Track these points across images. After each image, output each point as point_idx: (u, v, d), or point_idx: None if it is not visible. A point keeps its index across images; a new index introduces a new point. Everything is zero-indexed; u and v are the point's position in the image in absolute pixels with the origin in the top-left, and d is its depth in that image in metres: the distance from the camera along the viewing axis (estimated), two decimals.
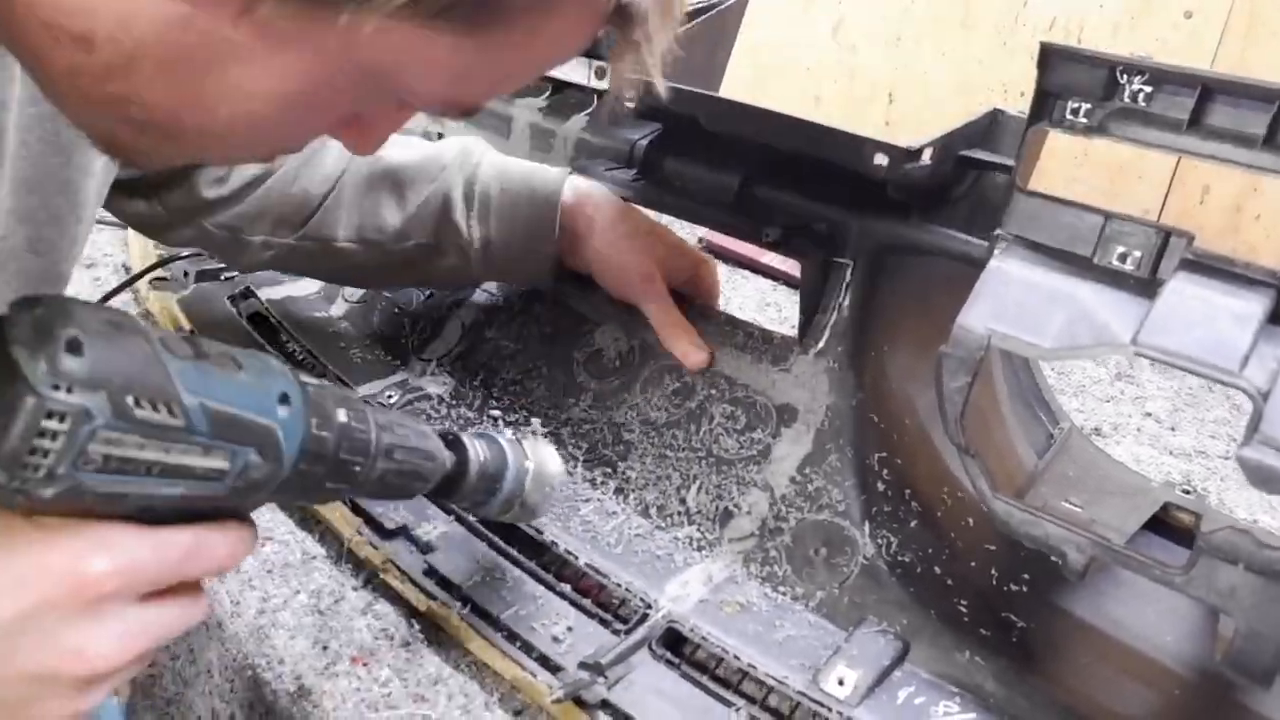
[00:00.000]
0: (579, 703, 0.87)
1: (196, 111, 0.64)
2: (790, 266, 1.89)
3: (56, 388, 0.54)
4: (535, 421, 1.23)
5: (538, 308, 1.34)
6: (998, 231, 0.93)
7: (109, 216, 1.23)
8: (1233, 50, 2.16)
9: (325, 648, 0.95)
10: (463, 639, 0.95)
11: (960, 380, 0.88)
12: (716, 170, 1.21)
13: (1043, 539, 0.88)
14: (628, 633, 0.94)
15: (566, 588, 1.00)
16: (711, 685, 0.91)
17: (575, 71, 1.40)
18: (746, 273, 2.03)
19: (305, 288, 1.52)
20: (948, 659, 0.94)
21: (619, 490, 1.14)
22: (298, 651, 0.95)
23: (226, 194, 1.23)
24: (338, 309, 1.49)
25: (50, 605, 0.60)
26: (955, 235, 1.02)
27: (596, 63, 1.36)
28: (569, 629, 0.95)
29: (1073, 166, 2.35)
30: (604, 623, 0.97)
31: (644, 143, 1.30)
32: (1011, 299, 0.87)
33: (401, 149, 1.28)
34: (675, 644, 0.95)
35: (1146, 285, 0.84)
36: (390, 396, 1.26)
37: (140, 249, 1.57)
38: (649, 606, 0.97)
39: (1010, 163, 0.94)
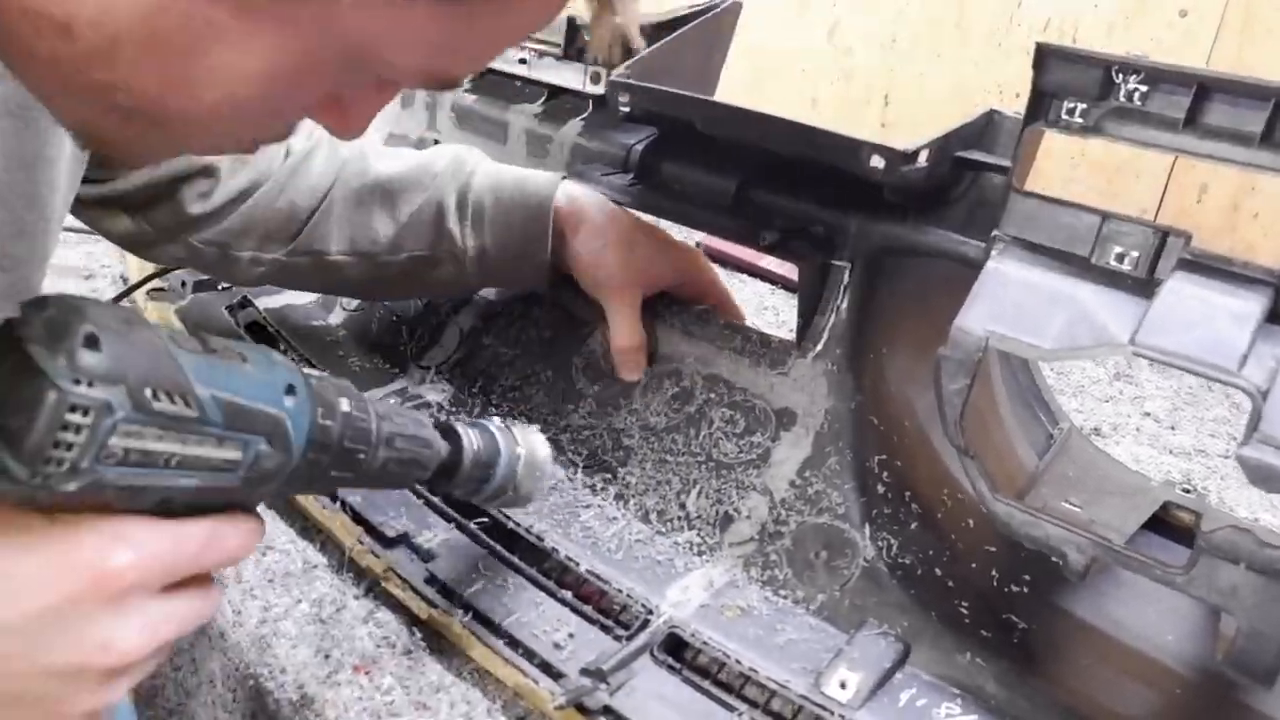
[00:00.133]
0: (581, 709, 0.87)
1: (181, 96, 0.64)
2: (788, 270, 1.89)
3: (77, 382, 0.55)
4: (534, 428, 1.23)
5: (536, 313, 1.34)
6: (995, 233, 0.93)
7: None
8: (1228, 48, 2.17)
9: (327, 656, 0.95)
10: (464, 646, 0.95)
11: (959, 382, 0.88)
12: (713, 174, 1.21)
13: (1043, 540, 0.88)
14: (629, 638, 0.94)
15: (567, 594, 1.00)
16: (713, 690, 0.91)
17: (570, 77, 1.40)
18: (744, 276, 2.03)
19: (303, 296, 1.52)
20: (949, 661, 0.94)
21: (619, 496, 1.14)
22: (300, 660, 0.95)
23: (211, 209, 1.22)
24: (335, 317, 1.49)
25: (75, 600, 0.60)
26: (952, 237, 1.02)
27: (591, 68, 1.37)
28: (570, 635, 0.95)
29: (1069, 166, 2.35)
30: (605, 629, 0.96)
31: (640, 147, 1.30)
32: (1009, 300, 0.87)
33: (391, 160, 1.28)
34: (677, 649, 0.94)
35: (1144, 285, 0.84)
36: (390, 401, 1.26)
37: (138, 260, 1.57)
38: (650, 612, 0.97)
39: (1007, 164, 0.94)
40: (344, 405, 0.74)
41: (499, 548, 1.05)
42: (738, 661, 0.91)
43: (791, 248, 1.13)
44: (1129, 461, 1.28)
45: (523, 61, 1.46)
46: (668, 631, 0.95)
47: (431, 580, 1.00)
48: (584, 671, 0.89)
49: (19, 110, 0.85)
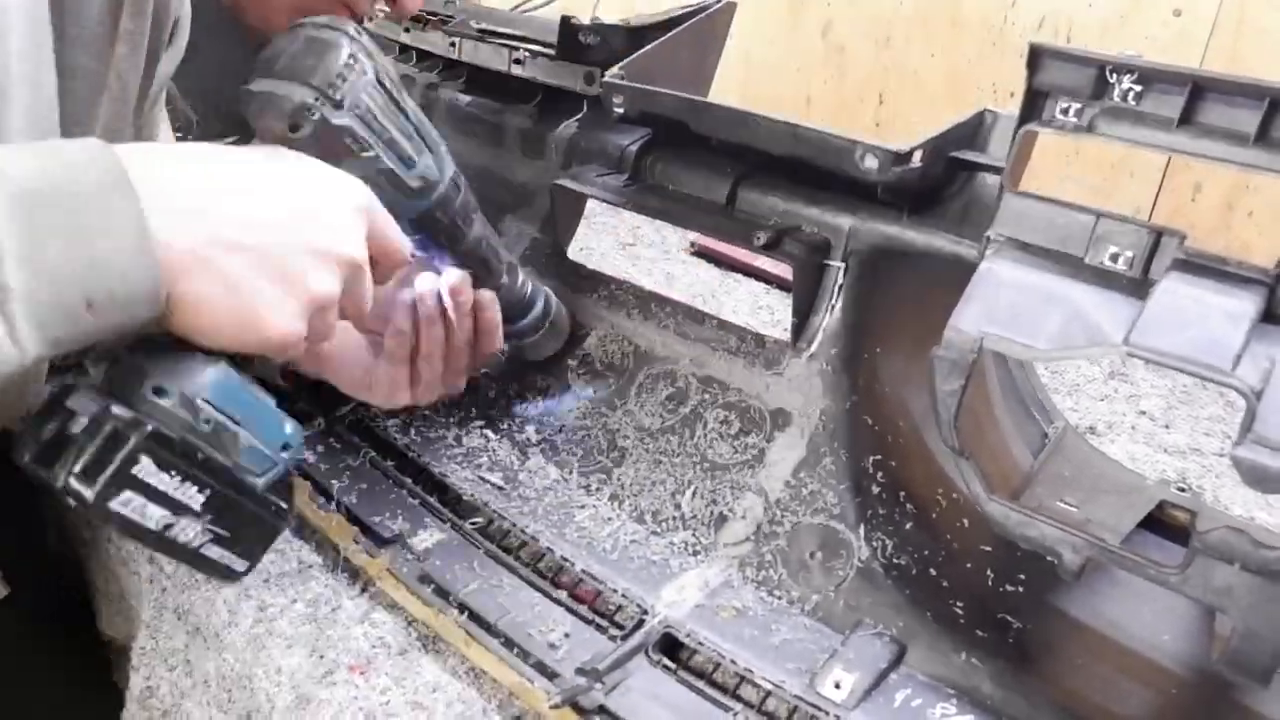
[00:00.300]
0: (576, 708, 0.87)
1: None
2: (782, 270, 1.89)
3: None
4: (529, 430, 1.23)
5: None
6: (989, 233, 0.93)
7: None
8: (1222, 48, 2.16)
9: (322, 657, 0.95)
10: (460, 646, 0.95)
11: (953, 383, 0.88)
12: (707, 174, 1.21)
13: (1038, 540, 0.88)
14: (624, 638, 0.94)
15: (563, 594, 1.00)
16: (708, 690, 0.91)
17: (565, 78, 1.40)
18: (738, 276, 2.03)
19: None
20: (944, 661, 0.94)
21: (614, 497, 1.14)
22: (295, 661, 0.95)
23: None
24: None
25: (335, 205, 0.80)
26: (946, 237, 1.03)
27: (585, 69, 1.37)
28: (565, 635, 0.95)
29: (1063, 166, 2.35)
30: (600, 629, 0.96)
31: (634, 148, 1.30)
32: (1003, 300, 0.87)
33: None
34: (672, 649, 0.94)
35: (1139, 285, 0.84)
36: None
37: None
38: (645, 612, 0.97)
39: (1001, 163, 0.94)
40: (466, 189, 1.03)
41: (494, 547, 1.05)
42: (733, 661, 0.92)
43: (785, 248, 1.13)
44: (1124, 460, 1.28)
45: (518, 63, 1.46)
46: (663, 631, 0.95)
47: (426, 580, 1.00)
48: (579, 671, 0.89)
49: None
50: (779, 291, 1.94)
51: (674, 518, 1.10)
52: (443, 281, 1.06)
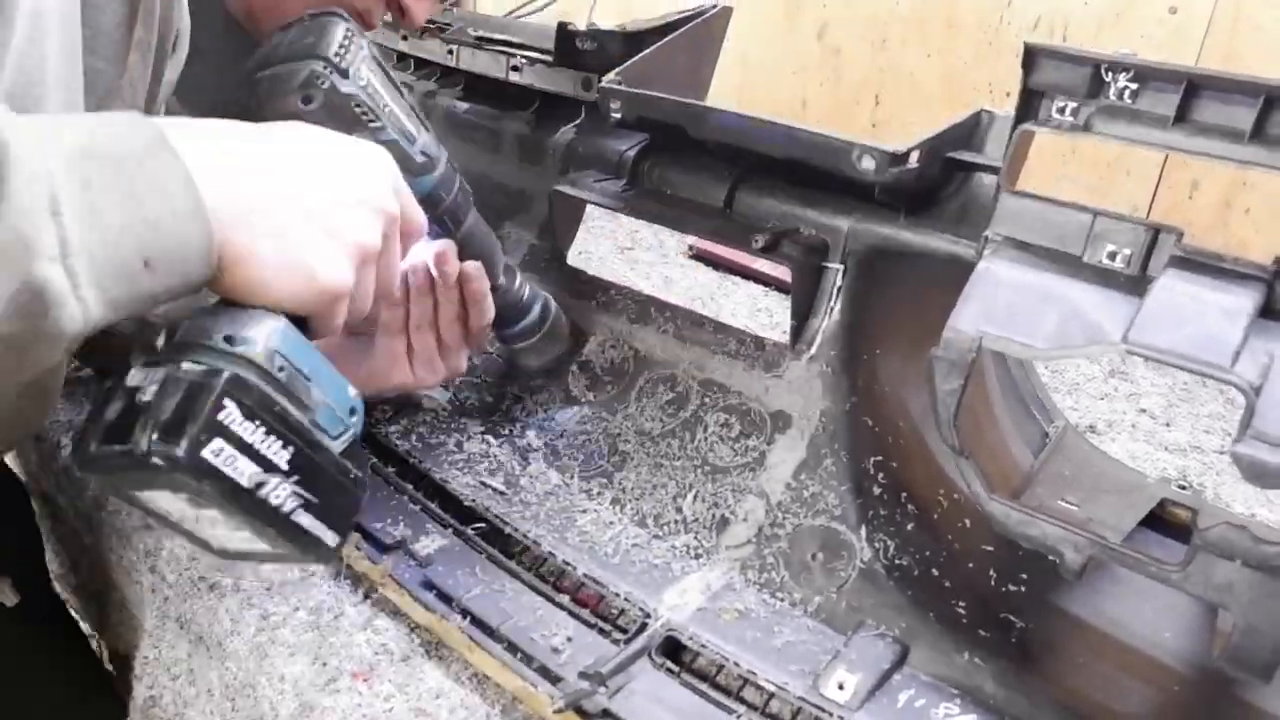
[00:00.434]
0: (580, 712, 0.87)
1: None
2: (781, 272, 1.89)
3: None
4: (530, 435, 1.24)
5: None
6: (986, 232, 0.93)
7: None
8: (1218, 45, 2.17)
9: (325, 664, 0.95)
10: (463, 651, 0.95)
11: (952, 383, 0.88)
12: (705, 178, 1.21)
13: (1039, 539, 0.88)
14: (627, 642, 0.94)
15: (565, 599, 1.00)
16: (712, 693, 0.91)
17: (562, 83, 1.40)
18: (737, 279, 2.03)
19: None
20: (947, 661, 0.94)
21: (615, 501, 1.14)
22: (298, 669, 0.95)
23: None
24: None
25: (365, 162, 0.83)
26: (944, 237, 1.03)
27: (583, 74, 1.37)
28: (568, 639, 0.95)
29: (1060, 165, 2.35)
30: (603, 633, 0.97)
31: (632, 152, 1.30)
32: (1002, 300, 0.87)
33: None
34: (675, 652, 0.95)
35: (1137, 283, 0.84)
36: (386, 412, 1.26)
37: None
38: (648, 616, 0.97)
39: (997, 163, 0.94)
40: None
41: (496, 553, 1.05)
42: (736, 664, 0.92)
43: (783, 250, 1.13)
44: (1125, 458, 1.28)
45: (515, 69, 1.47)
46: (665, 635, 0.95)
47: (429, 585, 1.00)
48: (582, 675, 0.89)
49: None
50: (777, 294, 1.95)
51: (675, 521, 1.10)
52: (428, 251, 1.07)
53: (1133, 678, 0.91)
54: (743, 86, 2.89)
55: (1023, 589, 0.96)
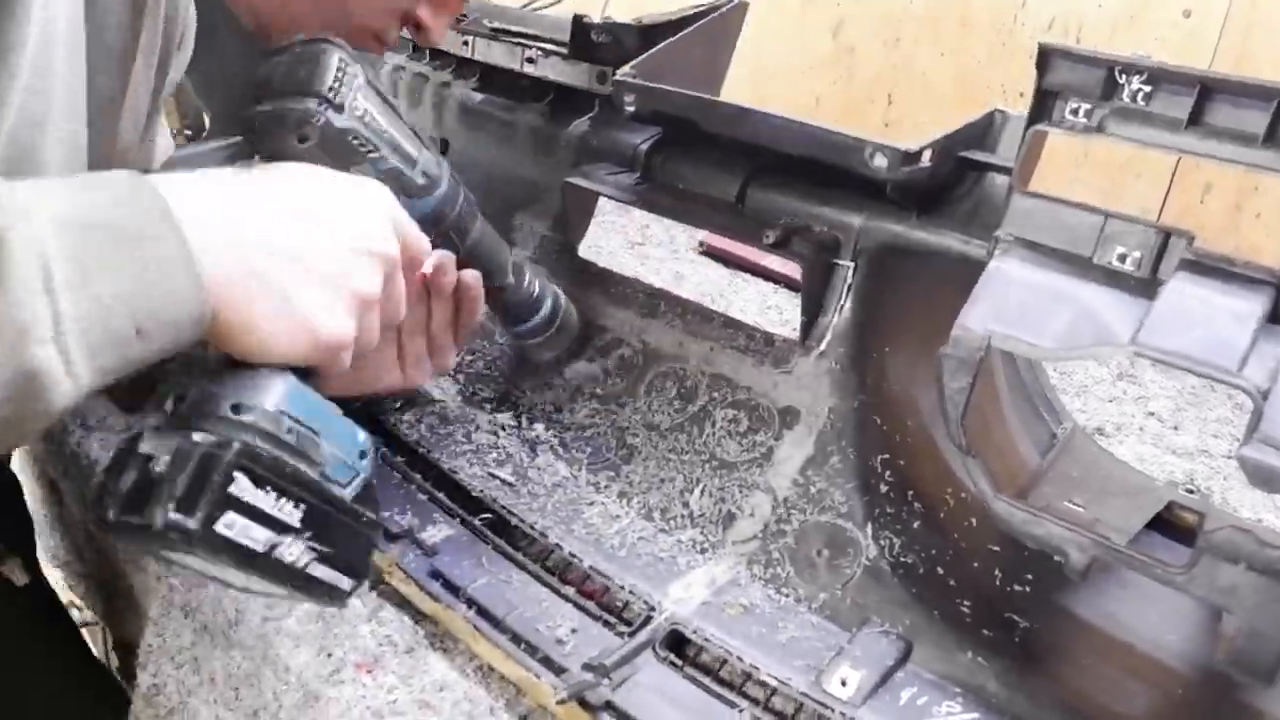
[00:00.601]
0: (583, 704, 0.87)
1: None
2: (791, 269, 1.89)
3: None
4: (539, 426, 1.24)
5: None
6: (998, 232, 0.93)
7: None
8: (1232, 49, 2.16)
9: (330, 655, 0.95)
10: (467, 641, 0.96)
11: (961, 381, 0.88)
12: (717, 172, 1.21)
13: (1045, 539, 0.88)
14: (631, 635, 0.94)
15: (570, 590, 1.00)
16: (715, 687, 0.91)
17: (576, 76, 1.40)
18: (747, 276, 2.03)
19: None
20: (950, 659, 0.94)
21: (622, 494, 1.14)
22: (302, 659, 0.95)
23: None
24: None
25: (364, 205, 0.82)
26: (955, 236, 1.03)
27: (598, 68, 1.37)
28: (573, 631, 0.95)
29: (1072, 166, 2.35)
30: (608, 625, 0.97)
31: (645, 146, 1.30)
32: (1012, 300, 0.87)
33: None
34: (679, 646, 0.95)
35: (1147, 285, 0.84)
36: (396, 402, 1.26)
37: None
38: (652, 609, 0.97)
39: (1010, 163, 0.94)
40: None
41: (503, 543, 1.05)
42: (739, 658, 0.92)
43: (795, 246, 1.13)
44: (1132, 461, 1.28)
45: (530, 61, 1.47)
46: (670, 628, 0.95)
47: (435, 575, 1.00)
48: (586, 667, 0.90)
49: None
50: (787, 291, 1.95)
51: (682, 515, 1.11)
52: (425, 262, 1.06)
53: (1136, 679, 0.91)
54: (756, 83, 2.89)
55: (1027, 589, 0.96)
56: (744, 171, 1.19)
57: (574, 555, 1.03)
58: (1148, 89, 0.84)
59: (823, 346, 1.12)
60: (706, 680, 0.91)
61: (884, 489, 1.05)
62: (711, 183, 1.22)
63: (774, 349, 1.17)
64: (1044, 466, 1.07)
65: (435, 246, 1.00)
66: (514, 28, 1.52)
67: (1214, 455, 1.52)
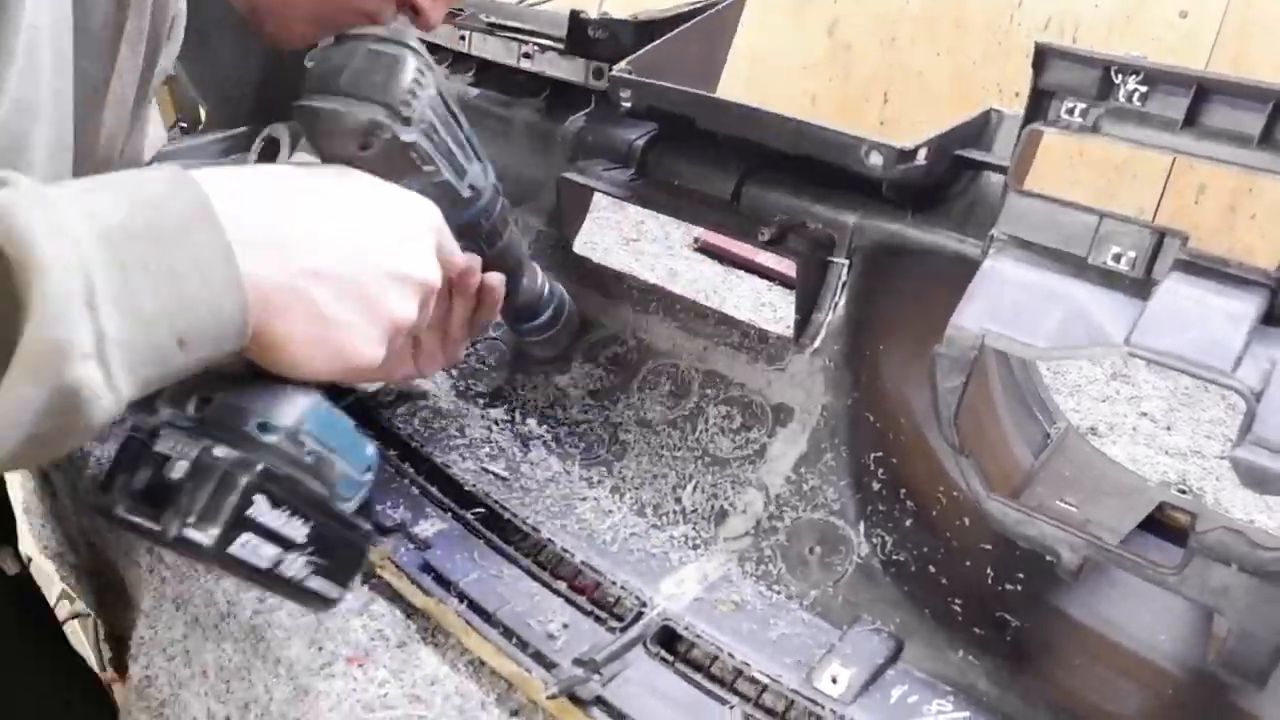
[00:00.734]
0: (574, 699, 0.87)
1: None
2: (786, 266, 1.89)
3: None
4: (531, 422, 1.24)
5: None
6: (992, 231, 0.93)
7: None
8: (1228, 49, 2.17)
9: (321, 648, 0.95)
10: (459, 635, 0.96)
11: (954, 380, 0.88)
12: (713, 169, 1.21)
13: (1037, 539, 0.88)
14: (623, 630, 0.94)
15: (562, 585, 1.00)
16: (706, 683, 0.91)
17: (573, 72, 1.40)
18: (742, 273, 2.03)
19: None
20: (941, 658, 0.94)
21: (615, 489, 1.14)
22: (293, 652, 0.95)
23: None
24: None
25: (413, 229, 0.82)
26: (950, 235, 1.03)
27: (594, 63, 1.37)
28: (564, 626, 0.95)
29: (1068, 166, 2.35)
30: (599, 620, 0.97)
31: (641, 142, 1.30)
32: (1006, 299, 0.87)
33: None
34: (670, 642, 0.95)
35: (1141, 285, 0.84)
36: (389, 396, 1.26)
37: None
38: (644, 604, 0.97)
39: (1005, 162, 0.94)
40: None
41: (495, 538, 1.05)
42: (730, 655, 0.92)
43: (790, 244, 1.13)
44: (1125, 462, 1.28)
45: (526, 56, 1.47)
46: (661, 624, 0.95)
47: (427, 569, 1.00)
48: (577, 662, 0.90)
49: None
50: (781, 288, 1.95)
51: (674, 511, 1.11)
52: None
53: (1127, 680, 0.91)
54: (752, 81, 2.89)
55: (1019, 588, 0.96)
56: (739, 168, 1.19)
57: (566, 550, 1.02)
58: (1143, 89, 0.84)
59: (817, 344, 1.12)
60: (697, 676, 0.91)
61: (876, 487, 1.05)
62: (707, 179, 1.22)
63: (768, 346, 1.17)
64: (1037, 466, 1.07)
65: (465, 249, 1.00)
66: (510, 22, 1.51)
67: (1207, 456, 1.53)
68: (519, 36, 1.48)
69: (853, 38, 2.76)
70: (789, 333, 1.15)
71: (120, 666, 1.21)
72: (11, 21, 0.68)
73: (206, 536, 0.64)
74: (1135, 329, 0.79)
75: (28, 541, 1.47)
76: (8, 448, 0.56)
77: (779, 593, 1.02)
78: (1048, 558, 0.88)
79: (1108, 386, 1.72)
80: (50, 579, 1.49)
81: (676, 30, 1.31)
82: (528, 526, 1.05)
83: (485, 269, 1.05)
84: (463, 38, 1.56)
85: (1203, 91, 0.81)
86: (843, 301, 1.11)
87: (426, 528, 1.05)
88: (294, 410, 0.71)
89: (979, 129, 1.04)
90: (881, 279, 1.10)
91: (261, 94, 1.31)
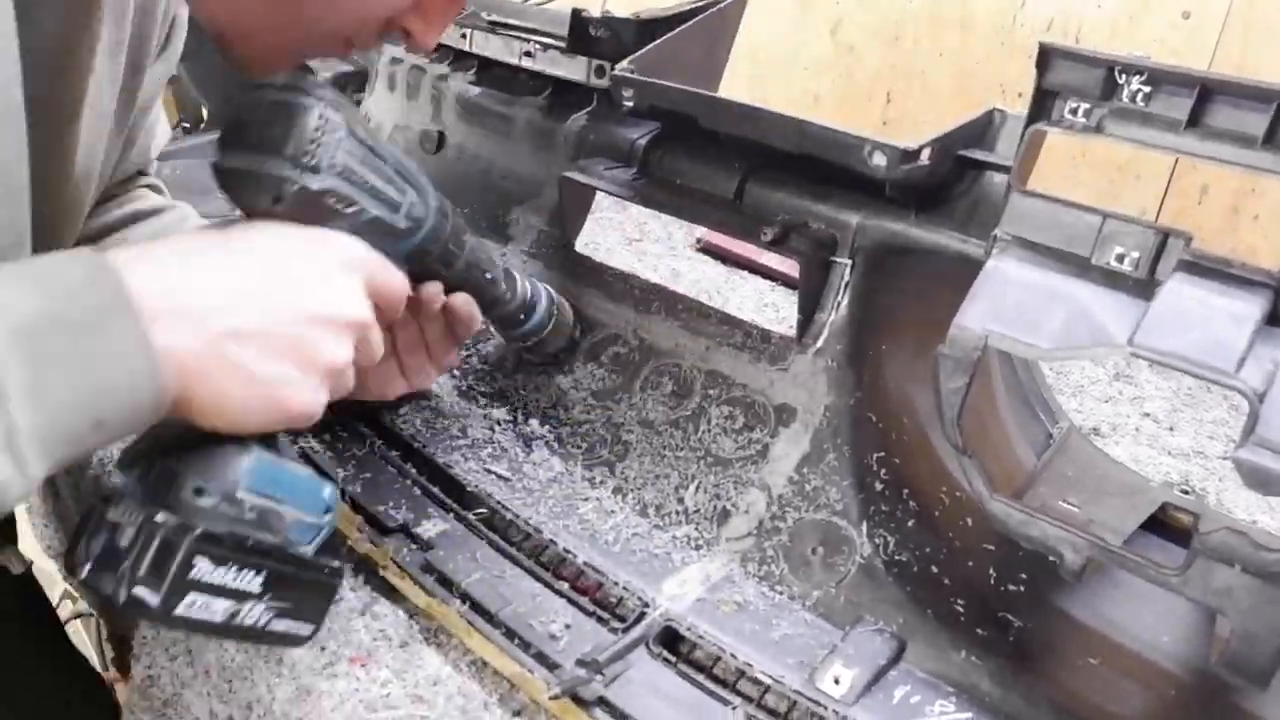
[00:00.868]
0: (576, 700, 0.87)
1: None
2: (788, 267, 1.89)
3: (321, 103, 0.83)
4: (534, 422, 1.24)
5: None
6: (995, 231, 0.93)
7: None
8: (1231, 50, 2.16)
9: (323, 648, 0.95)
10: (461, 635, 0.95)
11: (957, 381, 0.88)
12: (715, 169, 1.21)
13: (1040, 539, 0.88)
14: (625, 631, 0.94)
15: (565, 586, 1.00)
16: (708, 684, 0.91)
17: (575, 70, 1.40)
18: (744, 273, 2.02)
19: None
20: (944, 658, 0.94)
21: (617, 490, 1.14)
22: (296, 653, 0.95)
23: None
24: None
25: (328, 271, 0.81)
26: (953, 235, 1.03)
27: (596, 62, 1.37)
28: (567, 626, 0.95)
29: (1071, 166, 2.35)
30: (601, 621, 0.97)
31: (643, 141, 1.30)
32: (1009, 299, 0.87)
33: None
34: (672, 642, 0.95)
35: (1144, 286, 0.84)
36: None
37: None
38: (646, 605, 0.97)
39: (1008, 163, 0.94)
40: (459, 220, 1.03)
41: (497, 539, 1.05)
42: (733, 656, 0.92)
43: (792, 244, 1.13)
44: (1128, 462, 1.28)
45: (528, 55, 1.47)
46: (664, 625, 0.95)
47: (429, 569, 1.00)
48: (580, 663, 0.90)
49: None
50: (784, 289, 1.94)
51: (677, 512, 1.10)
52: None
53: (1129, 680, 0.91)
54: (753, 80, 2.89)
55: (1022, 589, 0.96)
56: (742, 168, 1.19)
57: (568, 551, 1.02)
58: (1147, 89, 0.83)
59: (819, 344, 1.12)
60: (700, 677, 0.91)
61: (879, 487, 1.05)
62: (709, 179, 1.21)
63: (770, 346, 1.17)
64: (1039, 466, 1.07)
65: (422, 277, 1.00)
66: (512, 21, 1.51)
67: (1209, 457, 1.52)
68: (521, 35, 1.48)
69: (856, 38, 2.76)
70: (791, 333, 1.15)
71: (123, 666, 1.21)
72: None
73: (154, 599, 0.66)
74: (1138, 329, 0.79)
75: (30, 542, 1.47)
76: None
77: (781, 593, 1.02)
78: (1050, 558, 0.88)
79: (1110, 387, 1.72)
80: (53, 579, 1.49)
81: (678, 29, 1.31)
82: (530, 527, 1.05)
83: (450, 290, 1.06)
84: (464, 36, 1.56)
85: (1206, 92, 0.81)
86: (845, 302, 1.11)
87: (429, 528, 1.05)
88: (230, 471, 0.73)
89: (982, 129, 1.04)
90: (884, 279, 1.10)
91: None
